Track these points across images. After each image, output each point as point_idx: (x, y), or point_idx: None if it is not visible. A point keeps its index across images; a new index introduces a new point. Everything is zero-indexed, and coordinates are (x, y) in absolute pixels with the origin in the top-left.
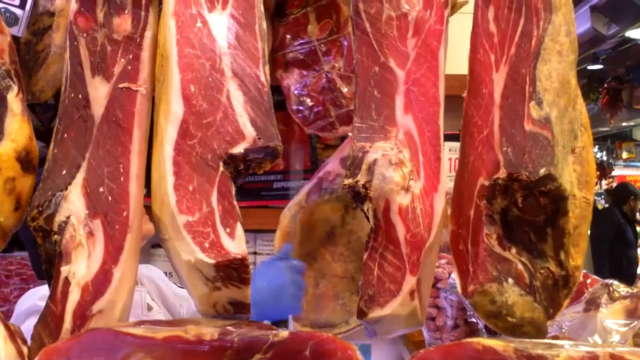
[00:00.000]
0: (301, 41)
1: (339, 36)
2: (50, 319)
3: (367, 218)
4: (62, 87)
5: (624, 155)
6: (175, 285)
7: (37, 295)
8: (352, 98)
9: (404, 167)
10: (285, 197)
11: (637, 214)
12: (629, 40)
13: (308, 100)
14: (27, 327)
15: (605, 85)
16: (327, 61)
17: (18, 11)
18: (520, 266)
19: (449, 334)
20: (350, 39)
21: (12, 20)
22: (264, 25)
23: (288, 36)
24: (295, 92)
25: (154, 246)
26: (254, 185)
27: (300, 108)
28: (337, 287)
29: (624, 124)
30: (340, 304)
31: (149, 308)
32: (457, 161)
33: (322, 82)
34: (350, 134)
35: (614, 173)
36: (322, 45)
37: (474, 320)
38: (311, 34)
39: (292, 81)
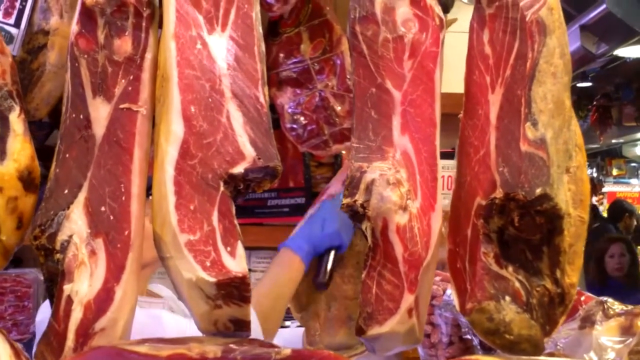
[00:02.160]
0: (294, 60)
1: (332, 55)
2: (53, 337)
3: (365, 237)
4: (63, 107)
5: (614, 172)
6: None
7: None
8: (346, 116)
9: (402, 186)
10: (279, 214)
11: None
12: (618, 58)
13: (302, 118)
14: None
15: (595, 102)
16: (321, 80)
17: (13, 30)
18: (517, 284)
19: (444, 351)
20: (343, 57)
21: (7, 39)
22: (263, 47)
23: (281, 55)
24: (289, 110)
25: None
26: (248, 202)
27: (294, 126)
28: (350, 309)
29: (613, 140)
30: (353, 325)
31: None
32: (450, 179)
33: (316, 100)
34: (344, 152)
35: (604, 190)
36: (315, 64)
37: (468, 337)
38: (304, 53)
39: (286, 99)
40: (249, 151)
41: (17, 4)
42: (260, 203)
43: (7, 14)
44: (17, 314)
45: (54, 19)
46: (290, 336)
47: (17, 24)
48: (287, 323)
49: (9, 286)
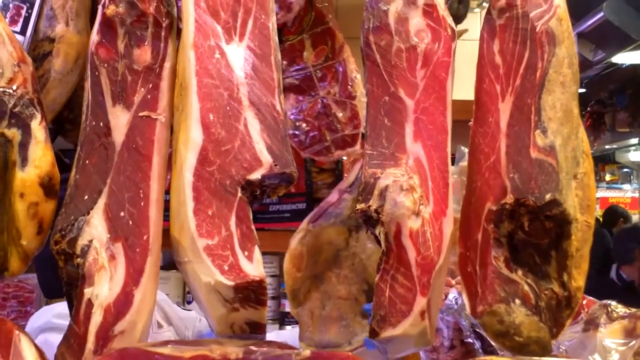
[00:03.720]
0: (297, 67)
1: (334, 62)
2: (73, 340)
3: (378, 242)
4: (82, 115)
5: (607, 177)
6: (179, 308)
7: (52, 313)
8: (348, 123)
9: (415, 192)
10: (280, 220)
11: None
12: (612, 64)
13: (304, 125)
14: (40, 342)
15: (589, 108)
16: (323, 87)
17: (19, 37)
18: (526, 287)
19: (446, 355)
20: (346, 65)
21: None
22: (279, 56)
23: (284, 62)
24: (291, 117)
25: None
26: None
27: (296, 132)
28: (342, 309)
29: (607, 146)
30: (344, 324)
31: (159, 326)
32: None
33: (318, 107)
34: (345, 158)
35: (597, 195)
36: (318, 71)
37: (470, 340)
38: (307, 60)
39: (288, 106)
40: (266, 158)
41: (23, 12)
42: (261, 208)
43: (13, 21)
44: (19, 319)
45: (60, 27)
46: (290, 336)
47: (23, 32)
48: (288, 327)
49: (12, 291)
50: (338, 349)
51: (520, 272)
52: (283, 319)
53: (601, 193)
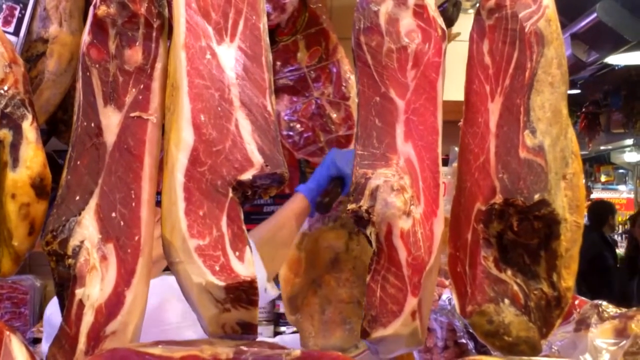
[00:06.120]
0: (291, 68)
1: (328, 63)
2: (64, 341)
3: (369, 242)
4: (74, 115)
5: (603, 178)
6: None
7: None
8: (342, 124)
9: (405, 192)
10: None
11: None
12: (607, 65)
13: (298, 125)
14: None
15: (583, 109)
16: (317, 87)
17: (12, 38)
18: (515, 287)
19: (439, 355)
20: (340, 65)
21: None
22: (270, 57)
23: (278, 63)
24: (285, 117)
25: None
26: (244, 209)
27: (290, 133)
28: (344, 313)
29: (602, 147)
30: (348, 328)
31: None
32: (443, 185)
33: (312, 108)
34: None
35: (592, 196)
36: (312, 72)
37: (463, 341)
38: (301, 61)
39: (282, 107)
40: (257, 158)
41: (17, 13)
42: (256, 209)
43: (6, 22)
44: (13, 320)
45: (53, 27)
46: (290, 340)
47: (16, 32)
48: (283, 328)
49: (6, 293)
50: (345, 354)
51: (509, 272)
52: (278, 320)
53: (596, 194)
